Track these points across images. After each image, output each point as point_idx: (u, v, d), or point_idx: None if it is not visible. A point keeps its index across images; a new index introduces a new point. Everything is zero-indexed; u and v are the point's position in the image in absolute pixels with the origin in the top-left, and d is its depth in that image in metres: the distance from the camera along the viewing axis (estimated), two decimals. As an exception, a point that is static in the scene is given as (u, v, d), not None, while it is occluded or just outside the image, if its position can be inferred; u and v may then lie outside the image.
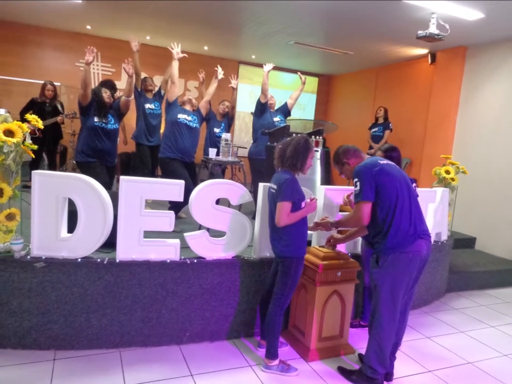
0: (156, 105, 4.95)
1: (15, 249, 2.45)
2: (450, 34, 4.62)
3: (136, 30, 6.52)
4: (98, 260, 2.54)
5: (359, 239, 3.25)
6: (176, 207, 3.72)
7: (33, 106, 5.28)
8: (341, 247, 3.06)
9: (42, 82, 5.45)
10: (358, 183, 2.32)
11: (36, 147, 2.56)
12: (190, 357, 2.62)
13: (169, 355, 2.62)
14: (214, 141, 4.80)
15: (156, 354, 2.62)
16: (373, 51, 6.69)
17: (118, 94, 4.47)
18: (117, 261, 2.56)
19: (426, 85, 6.67)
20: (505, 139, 5.30)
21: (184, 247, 2.74)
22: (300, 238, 2.50)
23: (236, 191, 2.83)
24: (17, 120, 2.48)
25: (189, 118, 4.10)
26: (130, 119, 5.64)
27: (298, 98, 5.16)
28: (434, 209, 3.65)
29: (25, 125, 2.45)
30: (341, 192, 3.13)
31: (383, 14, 4.76)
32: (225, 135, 4.24)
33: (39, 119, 2.60)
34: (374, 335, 2.40)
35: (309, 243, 3.09)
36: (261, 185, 2.88)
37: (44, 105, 5.33)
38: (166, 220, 2.64)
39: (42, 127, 2.69)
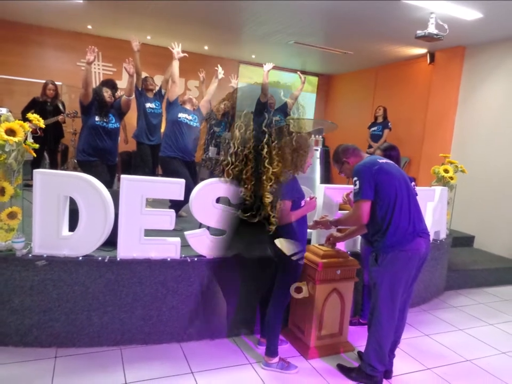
0: (157, 104, 4.96)
1: (17, 248, 2.47)
2: (449, 34, 4.63)
3: (136, 29, 6.52)
4: (99, 258, 2.55)
5: (359, 238, 3.26)
6: (177, 205, 3.73)
7: (35, 105, 5.28)
8: (340, 246, 3.07)
9: (44, 81, 5.45)
10: (357, 182, 2.34)
11: (37, 146, 2.58)
12: (190, 354, 2.64)
13: (169, 353, 2.64)
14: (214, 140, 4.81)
15: (157, 352, 2.64)
16: (373, 51, 6.69)
17: (119, 93, 4.49)
18: (118, 259, 2.58)
19: (425, 84, 6.67)
20: (504, 138, 5.31)
21: (185, 245, 2.75)
22: (300, 236, 2.51)
23: (236, 189, 2.84)
24: (19, 119, 2.50)
25: (190, 117, 4.12)
26: (131, 118, 5.65)
27: (298, 98, 5.17)
28: (433, 208, 3.67)
29: (26, 124, 2.47)
30: (341, 190, 3.15)
31: (383, 14, 4.77)
32: (225, 134, 4.25)
33: (40, 118, 2.62)
34: (373, 333, 2.41)
35: (309, 241, 3.10)
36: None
37: (45, 105, 5.34)
38: (167, 219, 2.65)
39: (43, 126, 2.71)
